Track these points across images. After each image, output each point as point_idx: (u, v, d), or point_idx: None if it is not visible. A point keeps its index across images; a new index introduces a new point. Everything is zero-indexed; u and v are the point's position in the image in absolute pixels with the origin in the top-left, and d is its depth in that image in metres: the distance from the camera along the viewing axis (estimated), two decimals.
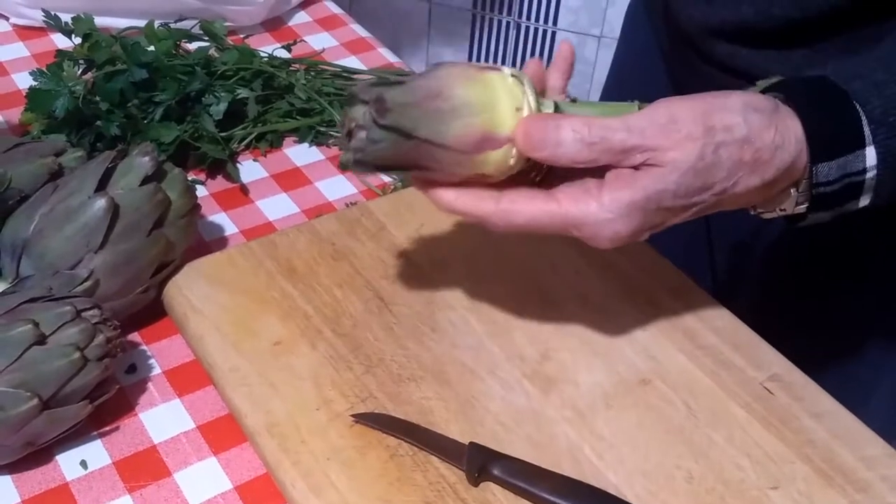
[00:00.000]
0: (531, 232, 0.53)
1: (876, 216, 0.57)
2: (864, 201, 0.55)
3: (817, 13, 0.62)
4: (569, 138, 0.50)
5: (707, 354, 0.63)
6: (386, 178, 0.80)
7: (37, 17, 0.90)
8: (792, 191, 0.54)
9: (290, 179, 0.80)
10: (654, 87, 0.69)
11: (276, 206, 0.77)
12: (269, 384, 0.59)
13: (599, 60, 1.77)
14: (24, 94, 0.78)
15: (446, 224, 0.71)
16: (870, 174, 0.53)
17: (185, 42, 0.84)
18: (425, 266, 0.68)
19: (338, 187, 0.79)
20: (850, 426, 0.59)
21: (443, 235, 0.70)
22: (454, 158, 0.52)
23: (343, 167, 0.54)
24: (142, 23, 0.85)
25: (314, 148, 0.83)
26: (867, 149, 0.53)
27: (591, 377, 0.61)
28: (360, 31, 0.99)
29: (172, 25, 0.84)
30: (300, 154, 0.82)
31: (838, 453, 0.57)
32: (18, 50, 0.91)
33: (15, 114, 0.82)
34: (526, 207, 0.53)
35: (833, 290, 0.76)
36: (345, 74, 0.86)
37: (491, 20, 1.83)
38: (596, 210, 0.51)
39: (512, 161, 0.53)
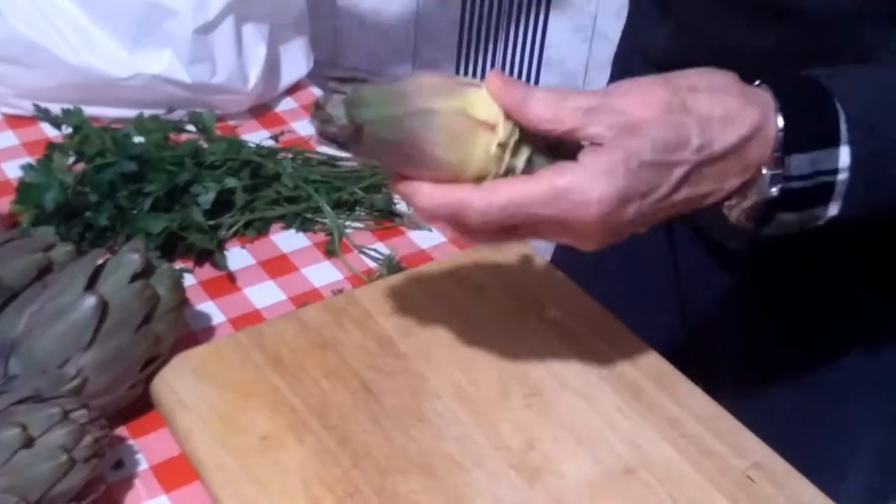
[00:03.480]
0: (512, 217, 0.54)
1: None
2: (833, 210, 0.55)
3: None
4: (538, 98, 0.53)
5: (690, 443, 0.64)
6: (372, 264, 0.81)
7: (27, 107, 0.92)
8: (764, 169, 0.54)
9: (277, 266, 0.81)
10: None
11: (264, 294, 0.78)
12: (256, 481, 0.59)
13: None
14: (14, 183, 0.79)
15: (432, 312, 0.72)
16: (841, 175, 0.54)
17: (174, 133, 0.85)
18: (411, 355, 0.69)
19: (324, 273, 0.80)
20: None
21: (428, 324, 0.71)
22: (445, 138, 0.53)
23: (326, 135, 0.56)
24: (131, 113, 0.87)
25: (301, 234, 0.84)
26: (841, 147, 0.53)
27: (576, 467, 0.62)
28: None
29: (162, 117, 0.85)
30: (287, 240, 0.83)
31: None
32: (8, 139, 0.92)
33: (4, 203, 0.83)
34: (505, 188, 0.53)
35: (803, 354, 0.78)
36: (330, 162, 0.88)
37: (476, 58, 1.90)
38: (578, 173, 0.52)
39: (493, 148, 0.54)
